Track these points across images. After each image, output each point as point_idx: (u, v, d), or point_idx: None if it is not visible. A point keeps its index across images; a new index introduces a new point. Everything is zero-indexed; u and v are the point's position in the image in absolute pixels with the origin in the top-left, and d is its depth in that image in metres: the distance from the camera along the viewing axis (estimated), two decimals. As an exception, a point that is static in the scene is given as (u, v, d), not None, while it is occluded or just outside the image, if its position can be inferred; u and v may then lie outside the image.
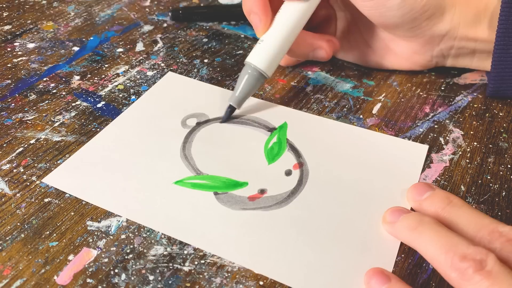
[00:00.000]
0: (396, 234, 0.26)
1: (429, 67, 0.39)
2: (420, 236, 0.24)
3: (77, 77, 0.40)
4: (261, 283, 0.25)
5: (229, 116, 0.35)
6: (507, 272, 0.21)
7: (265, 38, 0.34)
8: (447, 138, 0.34)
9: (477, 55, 0.37)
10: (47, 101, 0.37)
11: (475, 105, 0.37)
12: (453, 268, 0.22)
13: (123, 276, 0.25)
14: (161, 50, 0.43)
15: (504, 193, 0.30)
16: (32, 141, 0.33)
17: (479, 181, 0.31)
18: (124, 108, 0.36)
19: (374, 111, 0.36)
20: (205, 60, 0.42)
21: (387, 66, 0.40)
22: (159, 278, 0.25)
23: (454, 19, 0.35)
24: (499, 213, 0.29)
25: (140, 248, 0.26)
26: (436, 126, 0.35)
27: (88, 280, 0.25)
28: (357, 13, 0.36)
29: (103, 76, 0.40)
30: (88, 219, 0.28)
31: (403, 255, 0.26)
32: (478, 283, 0.21)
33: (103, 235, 0.27)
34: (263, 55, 0.33)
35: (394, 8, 0.33)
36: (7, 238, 0.27)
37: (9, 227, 0.27)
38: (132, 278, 0.25)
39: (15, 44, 0.44)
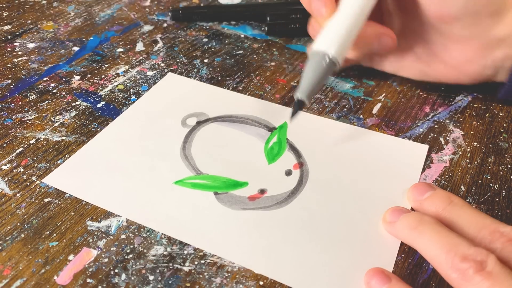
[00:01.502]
0: (396, 234, 0.26)
1: (478, 81, 0.35)
2: (421, 236, 0.24)
3: (77, 77, 0.40)
4: (261, 283, 0.25)
5: (298, 111, 0.30)
6: (508, 273, 0.21)
7: (331, 23, 0.30)
8: (447, 138, 0.34)
9: None
10: (47, 101, 0.37)
11: (475, 105, 0.37)
12: (454, 268, 0.22)
13: (123, 276, 0.25)
14: (161, 50, 0.43)
15: (504, 193, 0.30)
16: (32, 141, 0.33)
17: (479, 181, 0.31)
18: (124, 108, 0.36)
19: (374, 111, 0.36)
20: (205, 60, 0.42)
21: (431, 75, 0.37)
22: (159, 278, 0.25)
23: None
24: (499, 213, 0.29)
25: (140, 248, 0.26)
26: (436, 126, 0.35)
27: (88, 280, 0.24)
28: (406, 16, 0.34)
29: (103, 76, 0.40)
30: (88, 219, 0.28)
31: (403, 255, 0.26)
32: (478, 284, 0.21)
33: (103, 235, 0.27)
34: (332, 41, 0.29)
35: None
36: (7, 238, 0.27)
37: (9, 227, 0.27)
38: (132, 278, 0.25)
39: (15, 44, 0.44)
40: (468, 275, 0.21)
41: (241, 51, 0.43)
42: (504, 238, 0.23)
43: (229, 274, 0.25)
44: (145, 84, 0.39)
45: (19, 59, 0.42)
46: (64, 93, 0.38)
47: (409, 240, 0.25)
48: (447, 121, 0.36)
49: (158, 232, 0.27)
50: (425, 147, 0.33)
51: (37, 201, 0.29)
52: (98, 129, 0.34)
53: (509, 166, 0.32)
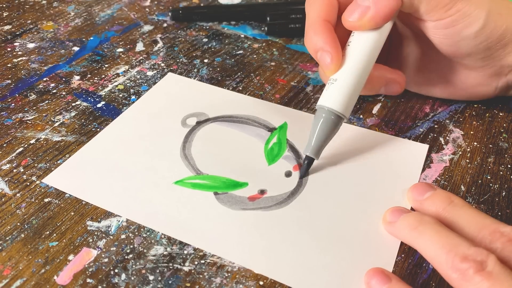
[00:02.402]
0: (396, 234, 0.26)
1: (489, 98, 0.36)
2: (421, 236, 0.24)
3: (77, 77, 0.40)
4: (261, 283, 0.25)
5: (308, 170, 0.31)
6: (508, 273, 0.21)
7: (338, 76, 0.30)
8: (447, 138, 0.34)
9: None
10: (47, 101, 0.37)
11: (475, 105, 0.37)
12: (454, 268, 0.22)
13: (123, 276, 0.25)
14: (161, 50, 0.43)
15: (504, 193, 0.30)
16: (32, 141, 0.33)
17: (479, 181, 0.31)
18: (124, 108, 0.36)
19: (374, 111, 0.36)
20: (205, 60, 0.42)
21: (441, 95, 0.37)
22: (159, 278, 0.25)
23: None
24: (499, 213, 0.29)
25: (140, 248, 0.26)
26: (436, 126, 0.35)
27: (88, 280, 0.24)
28: (418, 41, 0.34)
29: (103, 76, 0.40)
30: (88, 219, 0.28)
31: (403, 255, 0.26)
32: (478, 284, 0.21)
33: (103, 235, 0.27)
34: (339, 96, 0.29)
35: (470, 37, 0.30)
36: (7, 238, 0.27)
37: (9, 227, 0.27)
38: (132, 278, 0.25)
39: (15, 44, 0.44)
40: (468, 275, 0.21)
41: (241, 51, 0.43)
42: (505, 238, 0.23)
43: (229, 274, 0.25)
44: (145, 84, 0.39)
45: (19, 59, 0.42)
46: (64, 93, 0.38)
47: (409, 240, 0.25)
48: (447, 121, 0.36)
49: (158, 232, 0.27)
50: (425, 147, 0.33)
51: (37, 201, 0.29)
52: (98, 129, 0.34)
53: (509, 166, 0.32)
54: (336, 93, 0.29)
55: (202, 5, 0.51)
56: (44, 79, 0.39)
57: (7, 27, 0.46)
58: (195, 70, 0.41)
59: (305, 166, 0.30)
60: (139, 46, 0.44)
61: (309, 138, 0.30)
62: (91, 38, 0.45)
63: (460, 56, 0.33)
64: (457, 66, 0.34)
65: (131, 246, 0.26)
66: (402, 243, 0.27)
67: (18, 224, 0.27)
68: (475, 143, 0.34)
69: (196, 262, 0.26)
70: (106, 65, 0.41)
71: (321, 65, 0.30)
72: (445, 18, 0.30)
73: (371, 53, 0.30)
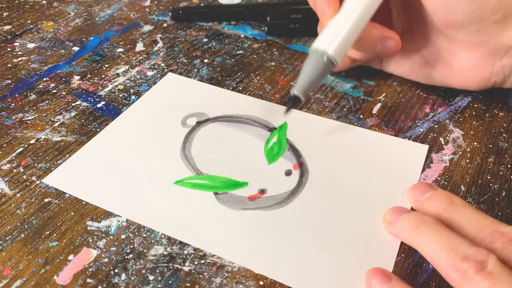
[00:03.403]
0: (396, 234, 0.26)
1: (485, 87, 0.35)
2: (421, 236, 0.24)
3: (77, 77, 0.40)
4: (261, 283, 0.25)
5: (292, 107, 0.31)
6: (508, 273, 0.21)
7: (333, 23, 0.31)
8: (447, 138, 0.34)
9: None
10: (47, 101, 0.37)
11: (475, 105, 0.37)
12: (454, 268, 0.22)
13: (123, 276, 0.25)
14: (161, 50, 0.43)
15: (504, 193, 0.30)
16: (32, 141, 0.33)
17: (479, 181, 0.31)
18: (124, 108, 0.36)
19: (374, 111, 0.36)
20: (205, 60, 0.42)
21: (439, 80, 0.37)
22: (159, 278, 0.25)
23: None
24: (499, 213, 0.29)
25: (140, 248, 0.26)
26: (436, 126, 0.35)
27: (88, 280, 0.24)
28: (414, 19, 0.34)
29: (103, 76, 0.40)
30: (88, 219, 0.28)
31: (403, 255, 0.26)
32: (478, 284, 0.21)
33: (103, 235, 0.27)
34: (332, 40, 0.30)
35: (463, 2, 0.31)
36: (7, 238, 0.27)
37: (9, 227, 0.27)
38: (132, 278, 0.25)
39: (15, 44, 0.44)
40: (469, 275, 0.21)
41: (241, 51, 0.43)
42: (505, 238, 0.23)
43: (229, 274, 0.25)
44: (145, 84, 0.39)
45: (19, 59, 0.42)
46: (64, 93, 0.38)
47: (409, 240, 0.25)
48: (447, 121, 0.35)
49: (158, 232, 0.27)
50: (425, 147, 0.33)
51: (37, 201, 0.29)
52: (98, 129, 0.34)
53: (509, 166, 0.32)
54: (330, 37, 0.30)
55: (202, 5, 0.51)
56: (44, 79, 0.39)
57: (7, 27, 0.46)
58: (195, 70, 0.41)
59: (291, 104, 0.31)
60: (139, 46, 0.44)
61: (299, 78, 0.30)
62: (91, 38, 0.45)
63: (454, 25, 0.32)
64: (452, 46, 0.34)
65: (131, 246, 0.26)
66: (402, 243, 0.27)
67: (18, 224, 0.27)
68: (475, 143, 0.34)
69: (196, 262, 0.26)
70: (106, 65, 0.41)
71: (318, 13, 0.31)
72: None
73: (368, 6, 0.31)
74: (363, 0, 0.31)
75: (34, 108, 0.36)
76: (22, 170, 0.31)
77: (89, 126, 0.34)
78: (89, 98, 0.37)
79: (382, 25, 0.35)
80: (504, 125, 0.35)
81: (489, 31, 0.32)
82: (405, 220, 0.25)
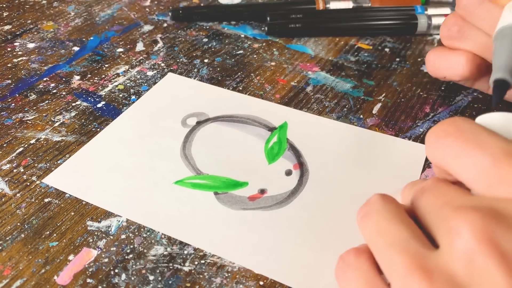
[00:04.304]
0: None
1: None
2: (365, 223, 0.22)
3: (77, 77, 0.40)
4: (261, 283, 0.25)
5: (502, 96, 0.26)
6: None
7: None
8: (447, 138, 0.34)
9: None
10: (47, 101, 0.37)
11: (475, 105, 0.37)
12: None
13: (123, 276, 0.25)
14: (161, 50, 0.43)
15: (504, 193, 0.30)
16: (32, 141, 0.33)
17: (479, 181, 0.31)
18: (124, 108, 0.36)
19: (374, 111, 0.36)
20: (205, 60, 0.42)
21: None
22: (159, 278, 0.25)
23: None
24: (499, 213, 0.28)
25: (140, 248, 0.26)
26: (436, 126, 0.35)
27: (88, 280, 0.24)
28: None
29: (103, 76, 0.40)
30: (88, 219, 0.28)
31: (403, 255, 0.26)
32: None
33: (103, 235, 0.27)
34: None
35: None
36: (7, 238, 0.27)
37: (9, 227, 0.27)
38: (132, 278, 0.25)
39: (15, 44, 0.44)
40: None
41: (241, 51, 0.43)
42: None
43: (229, 274, 0.25)
44: (145, 84, 0.39)
45: (19, 59, 0.42)
46: (64, 93, 0.38)
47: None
48: (447, 121, 0.35)
49: (158, 232, 0.27)
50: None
51: (37, 201, 0.29)
52: (98, 129, 0.34)
53: (509, 166, 0.32)
54: None
55: (202, 5, 0.51)
56: (44, 79, 0.39)
57: (7, 27, 0.46)
58: (195, 70, 0.41)
59: (499, 92, 0.25)
60: (139, 46, 0.44)
61: (496, 63, 0.26)
62: (91, 38, 0.45)
63: None
64: None
65: (131, 246, 0.26)
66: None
67: (18, 224, 0.27)
68: (475, 143, 0.34)
69: (196, 262, 0.26)
70: (106, 65, 0.41)
71: None
72: None
73: None
74: None
75: (34, 108, 0.36)
76: (22, 170, 0.31)
77: (89, 126, 0.34)
78: (89, 98, 0.37)
79: None
80: (504, 125, 0.35)
81: None
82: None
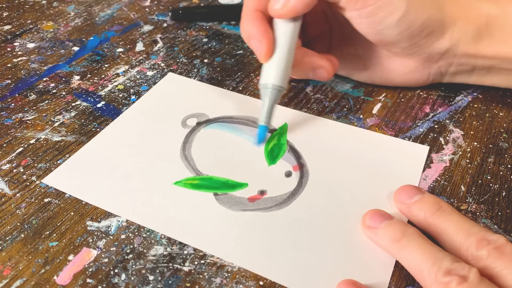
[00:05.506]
0: (377, 242, 0.26)
1: (424, 84, 0.38)
2: (404, 249, 0.24)
3: (77, 77, 0.40)
4: (261, 283, 0.25)
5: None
6: (487, 284, 0.22)
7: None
8: (447, 138, 0.34)
9: (476, 71, 0.36)
10: (47, 101, 0.37)
11: (475, 105, 0.37)
12: (437, 282, 0.22)
13: (123, 276, 0.25)
14: (161, 50, 0.43)
15: (504, 193, 0.30)
16: (32, 141, 0.33)
17: (479, 181, 0.31)
18: (124, 108, 0.36)
19: (374, 111, 0.36)
20: (205, 60, 0.42)
21: (380, 81, 0.38)
22: (159, 278, 0.25)
23: (454, 36, 0.33)
24: (499, 213, 0.29)
25: (140, 248, 0.26)
26: (436, 126, 0.35)
27: (88, 280, 0.25)
28: (352, 28, 0.34)
29: (103, 76, 0.40)
30: (88, 219, 0.28)
31: (403, 256, 0.26)
32: None
33: (103, 235, 0.27)
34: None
35: (391, 25, 0.32)
36: (7, 238, 0.27)
37: (9, 227, 0.27)
38: (132, 278, 0.25)
39: (15, 44, 0.44)
40: (451, 287, 0.21)
41: (241, 51, 0.43)
42: (491, 245, 0.23)
43: (229, 274, 0.25)
44: (145, 84, 0.39)
45: (19, 59, 0.42)
46: (64, 93, 0.38)
47: (391, 251, 0.25)
48: (447, 121, 0.35)
49: (158, 232, 0.27)
50: (426, 148, 0.33)
51: (37, 201, 0.29)
52: (98, 129, 0.34)
53: (509, 166, 0.32)
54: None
55: (202, 5, 0.51)
56: (44, 79, 0.39)
57: (7, 27, 0.46)
58: (195, 70, 0.41)
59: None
60: (139, 46, 0.44)
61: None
62: (91, 38, 0.45)
63: (387, 44, 0.34)
64: (389, 54, 0.36)
65: (131, 246, 0.26)
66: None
67: (18, 224, 0.27)
68: (475, 143, 0.34)
69: (196, 262, 0.26)
70: (106, 65, 0.41)
71: (254, 51, 0.32)
72: (366, 7, 0.31)
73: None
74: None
75: (34, 108, 0.36)
76: (22, 170, 0.31)
77: (89, 126, 0.34)
78: (89, 98, 0.37)
79: (322, 34, 0.38)
80: (504, 125, 0.35)
81: (420, 44, 0.33)
82: (388, 231, 0.25)
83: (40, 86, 0.38)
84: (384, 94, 0.38)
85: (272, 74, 0.32)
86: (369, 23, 0.32)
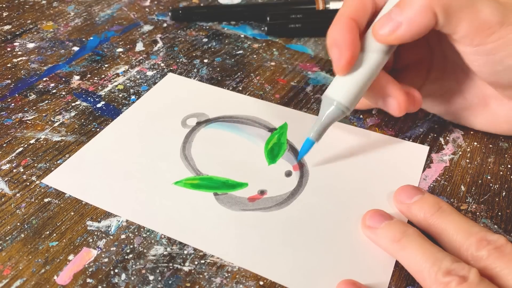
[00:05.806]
0: (377, 242, 0.26)
1: None
2: (404, 249, 0.24)
3: (77, 77, 0.40)
4: (261, 283, 0.25)
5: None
6: (487, 284, 0.22)
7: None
8: (447, 138, 0.34)
9: None
10: (47, 101, 0.37)
11: (475, 105, 0.37)
12: (437, 282, 0.22)
13: (123, 276, 0.25)
14: (161, 50, 0.43)
15: (504, 193, 0.30)
16: (32, 141, 0.33)
17: (479, 181, 0.31)
18: (124, 108, 0.36)
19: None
20: (205, 60, 0.42)
21: (481, 127, 0.33)
22: (159, 278, 0.25)
23: None
24: (499, 213, 0.29)
25: (140, 248, 0.26)
26: (436, 126, 0.35)
27: (88, 280, 0.24)
28: (460, 62, 0.30)
29: (103, 76, 0.40)
30: (88, 219, 0.28)
31: (403, 255, 0.26)
32: None
33: (103, 235, 0.27)
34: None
35: (510, 69, 0.27)
36: (7, 238, 0.27)
37: (9, 227, 0.27)
38: (132, 278, 0.25)
39: (15, 44, 0.44)
40: (451, 287, 0.22)
41: (241, 51, 0.43)
42: (491, 246, 0.23)
43: (229, 274, 0.25)
44: (145, 84, 0.39)
45: (19, 59, 0.42)
46: (64, 93, 0.38)
47: (391, 251, 0.25)
48: (447, 121, 0.35)
49: (158, 232, 0.27)
50: (426, 148, 0.33)
51: (37, 201, 0.29)
52: (98, 129, 0.34)
53: (509, 166, 0.32)
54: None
55: (202, 5, 0.51)
56: (44, 79, 0.39)
57: (7, 27, 0.46)
58: (195, 70, 0.41)
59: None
60: (139, 46, 0.44)
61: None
62: (91, 38, 0.45)
63: (502, 86, 0.30)
64: (498, 95, 0.31)
65: (131, 246, 0.26)
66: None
67: (18, 224, 0.27)
68: (475, 143, 0.34)
69: (196, 262, 0.26)
70: (106, 65, 0.41)
71: (332, 60, 0.29)
72: (486, 44, 0.27)
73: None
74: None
75: (34, 108, 0.36)
76: (22, 170, 0.31)
77: (89, 126, 0.34)
78: (89, 98, 0.37)
79: (420, 63, 0.33)
80: (504, 125, 0.35)
81: None
82: (388, 231, 0.25)
83: (40, 86, 0.38)
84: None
85: (343, 91, 0.29)
86: (486, 62, 0.28)
